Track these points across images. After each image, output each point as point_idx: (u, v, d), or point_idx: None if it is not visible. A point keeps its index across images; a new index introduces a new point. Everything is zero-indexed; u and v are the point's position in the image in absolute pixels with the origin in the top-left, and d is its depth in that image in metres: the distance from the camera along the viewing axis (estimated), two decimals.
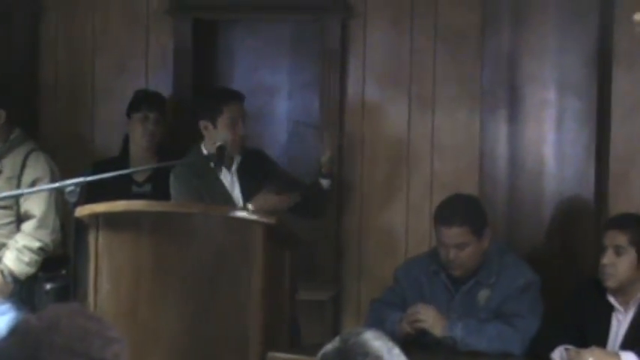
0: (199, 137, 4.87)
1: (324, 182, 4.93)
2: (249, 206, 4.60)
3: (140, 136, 5.18)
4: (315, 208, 4.96)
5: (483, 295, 4.34)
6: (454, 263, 4.33)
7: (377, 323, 4.29)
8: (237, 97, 4.87)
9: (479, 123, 5.31)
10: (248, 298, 4.11)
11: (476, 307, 4.34)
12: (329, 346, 2.37)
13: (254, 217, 4.29)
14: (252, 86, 5.50)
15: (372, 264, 5.37)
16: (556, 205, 5.26)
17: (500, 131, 5.30)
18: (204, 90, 5.35)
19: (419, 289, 4.43)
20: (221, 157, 4.63)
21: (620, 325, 4.23)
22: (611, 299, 4.24)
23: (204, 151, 4.79)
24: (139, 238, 4.26)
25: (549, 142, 5.26)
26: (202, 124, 4.82)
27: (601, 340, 4.20)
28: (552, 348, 4.18)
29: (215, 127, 4.77)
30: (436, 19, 5.35)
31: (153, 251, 4.24)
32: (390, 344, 2.38)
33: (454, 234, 4.32)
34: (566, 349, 4.12)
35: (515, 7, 5.27)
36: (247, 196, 4.74)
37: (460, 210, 4.39)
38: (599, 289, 4.26)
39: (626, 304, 4.23)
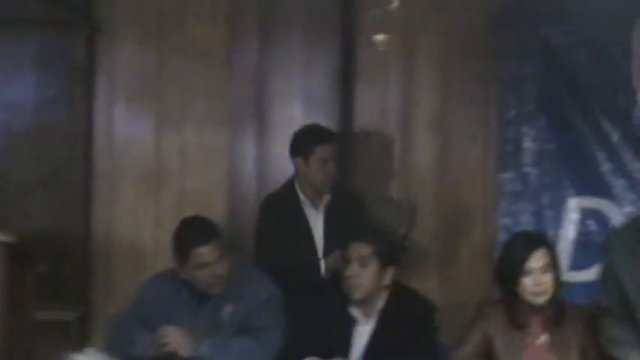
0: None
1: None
2: (322, 266, 4.72)
3: None
4: None
5: (228, 310, 4.37)
6: (223, 278, 4.36)
7: (122, 342, 4.25)
8: (329, 137, 4.89)
9: (227, 139, 5.36)
10: None
11: (221, 322, 4.36)
12: None
13: None
14: None
15: (122, 281, 5.31)
16: None
17: (248, 148, 5.37)
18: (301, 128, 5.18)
19: (162, 306, 4.41)
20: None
21: (361, 336, 4.34)
22: (354, 311, 4.35)
23: (297, 187, 4.87)
24: None
25: None
26: (296, 160, 4.86)
27: (344, 352, 4.30)
28: None
29: (307, 165, 4.81)
30: (184, 35, 5.36)
31: None
32: None
33: (212, 250, 4.34)
34: None
35: (262, 25, 5.36)
36: (329, 237, 4.81)
37: (207, 226, 4.42)
38: (342, 302, 4.37)
39: (367, 316, 4.35)
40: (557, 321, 4.03)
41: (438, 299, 4.75)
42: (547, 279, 4.01)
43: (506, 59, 5.28)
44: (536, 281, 3.99)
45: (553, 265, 4.06)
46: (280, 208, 4.86)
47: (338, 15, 5.37)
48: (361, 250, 4.35)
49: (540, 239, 4.15)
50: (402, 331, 4.25)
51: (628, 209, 5.07)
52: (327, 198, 4.90)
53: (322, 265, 4.75)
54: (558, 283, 4.05)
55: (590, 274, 4.98)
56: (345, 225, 4.78)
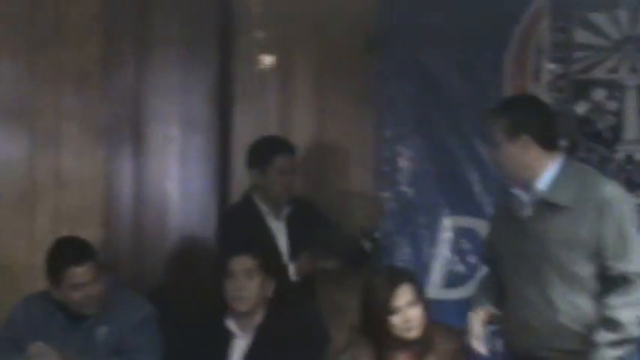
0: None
1: (365, 243, 4.93)
2: (292, 270, 4.74)
3: None
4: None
5: (102, 331, 4.32)
6: (97, 299, 4.30)
7: None
8: (287, 148, 4.91)
9: (103, 159, 5.31)
10: None
11: (95, 344, 4.32)
12: None
13: None
14: None
15: None
16: (180, 240, 5.36)
17: (125, 167, 5.33)
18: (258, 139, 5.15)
19: (35, 327, 4.35)
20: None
21: (238, 350, 4.35)
22: (231, 325, 4.36)
23: (256, 199, 4.90)
24: None
25: (173, 178, 5.37)
26: (253, 172, 4.89)
27: None
28: None
29: (264, 176, 4.84)
30: (59, 54, 5.30)
31: None
32: None
33: (86, 270, 4.29)
34: None
35: (138, 45, 5.34)
36: (294, 246, 4.84)
37: (81, 246, 4.38)
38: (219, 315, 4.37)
39: (244, 330, 4.35)
40: (425, 353, 3.97)
41: None
42: (415, 313, 3.95)
43: (383, 81, 5.35)
44: (404, 318, 3.93)
45: (419, 296, 4.00)
46: (242, 221, 4.85)
47: (216, 35, 5.38)
48: (246, 262, 4.36)
49: (401, 274, 4.11)
50: (281, 346, 4.26)
51: None
52: (287, 208, 4.92)
53: (291, 268, 4.74)
54: (427, 314, 4.00)
55: (463, 291, 5.07)
56: (309, 232, 4.82)
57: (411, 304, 3.94)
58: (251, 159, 4.93)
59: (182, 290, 5.24)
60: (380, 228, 5.00)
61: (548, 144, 3.91)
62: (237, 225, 4.84)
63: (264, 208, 4.91)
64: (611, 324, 3.69)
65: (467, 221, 5.24)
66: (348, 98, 5.35)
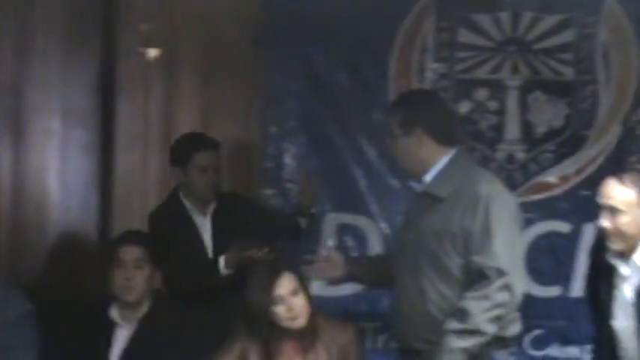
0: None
1: (302, 221, 4.84)
2: (222, 263, 4.61)
3: None
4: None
5: None
6: None
7: None
8: (207, 145, 4.81)
9: None
10: None
11: None
12: None
13: None
14: None
15: None
16: (60, 234, 5.27)
17: (4, 160, 5.22)
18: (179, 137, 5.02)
19: None
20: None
21: (120, 340, 4.29)
22: (115, 314, 4.31)
23: (181, 196, 4.82)
24: None
25: (53, 172, 5.27)
26: (175, 170, 4.81)
27: (105, 356, 4.25)
28: None
29: (186, 173, 4.77)
30: None
31: None
32: None
33: None
34: None
35: (18, 36, 5.23)
36: (218, 242, 4.76)
37: None
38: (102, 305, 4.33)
39: (128, 320, 4.31)
40: (312, 343, 3.98)
41: None
42: (298, 302, 3.95)
43: (268, 76, 5.34)
44: (287, 307, 3.93)
45: (301, 285, 4.00)
46: (168, 219, 4.79)
47: (98, 27, 5.30)
48: (136, 252, 4.31)
49: (282, 263, 4.12)
50: (164, 337, 4.22)
51: (384, 225, 5.21)
52: (213, 204, 4.85)
53: (220, 261, 4.65)
54: (311, 303, 4.00)
55: (344, 290, 5.09)
56: (237, 225, 4.75)
57: (293, 292, 3.95)
58: (172, 157, 4.88)
59: (63, 285, 5.14)
60: (317, 204, 4.97)
61: (443, 138, 3.96)
62: (163, 223, 4.78)
63: (189, 205, 4.85)
64: (461, 313, 3.74)
65: (351, 218, 5.27)
66: (233, 92, 5.34)
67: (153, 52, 5.27)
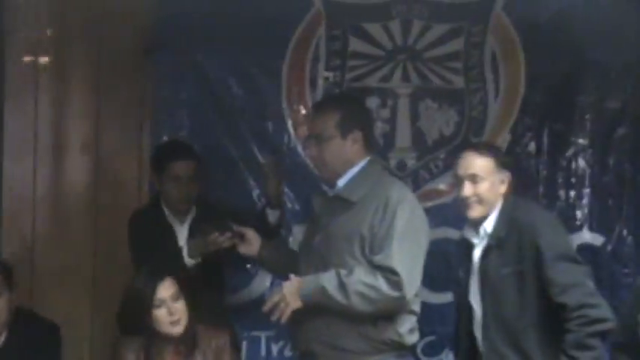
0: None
1: (271, 213, 4.66)
2: (185, 252, 4.50)
3: None
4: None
5: None
6: None
7: None
8: (182, 154, 4.72)
9: None
10: None
11: None
12: None
13: None
14: None
15: None
16: None
17: None
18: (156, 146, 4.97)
19: None
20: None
21: None
22: None
23: (162, 202, 4.75)
24: None
25: None
26: (154, 179, 4.79)
27: None
28: None
29: (161, 182, 4.72)
30: None
31: None
32: None
33: None
34: None
35: None
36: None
37: None
38: None
39: None
40: (190, 350, 4.00)
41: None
42: (179, 306, 3.98)
43: (160, 84, 5.30)
44: (168, 311, 3.95)
45: (181, 291, 4.02)
46: (147, 223, 4.73)
47: None
48: None
49: (163, 268, 4.11)
50: (25, 355, 4.20)
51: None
52: (193, 213, 4.77)
53: (184, 251, 4.55)
54: (191, 310, 4.03)
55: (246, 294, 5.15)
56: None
57: (174, 297, 3.97)
58: (151, 166, 4.86)
59: None
60: (284, 193, 4.92)
61: (370, 142, 4.04)
62: (140, 228, 4.73)
63: (167, 211, 4.78)
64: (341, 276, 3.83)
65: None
66: (125, 101, 5.28)
67: (41, 59, 5.18)
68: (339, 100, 4.20)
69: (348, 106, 4.05)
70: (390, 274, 3.80)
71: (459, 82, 5.29)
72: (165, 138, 5.26)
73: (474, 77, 5.29)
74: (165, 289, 3.96)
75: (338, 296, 3.79)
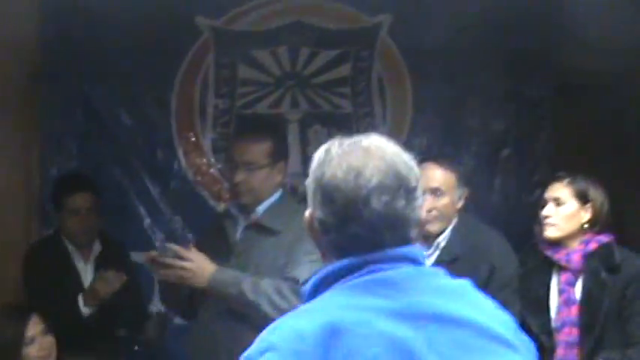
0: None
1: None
2: (80, 301, 4.35)
3: None
4: None
5: None
6: None
7: None
8: (80, 186, 4.58)
9: None
10: None
11: None
12: None
13: None
14: None
15: None
16: None
17: None
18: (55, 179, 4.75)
19: None
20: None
21: None
22: None
23: (63, 236, 4.60)
24: None
25: None
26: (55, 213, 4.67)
27: None
28: None
29: (61, 216, 4.60)
30: None
31: None
32: None
33: None
34: None
35: None
36: None
37: None
38: None
39: None
40: None
41: None
42: (50, 339, 3.91)
43: (48, 114, 5.25)
44: (40, 346, 3.87)
45: (50, 326, 3.95)
46: (46, 258, 4.55)
47: None
48: None
49: (25, 304, 4.08)
50: None
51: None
52: (97, 249, 4.61)
53: (79, 300, 4.38)
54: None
55: None
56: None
57: (43, 332, 3.91)
58: (50, 201, 4.71)
59: None
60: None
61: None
62: (40, 263, 4.57)
63: (70, 246, 4.62)
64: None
65: (139, 256, 5.22)
66: (12, 131, 5.16)
67: None
68: (270, 129, 4.20)
69: (278, 136, 4.07)
70: (293, 283, 3.81)
71: (346, 106, 5.35)
72: (54, 171, 5.20)
73: (362, 102, 5.35)
74: (33, 327, 3.88)
75: (250, 295, 3.76)
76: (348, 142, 2.10)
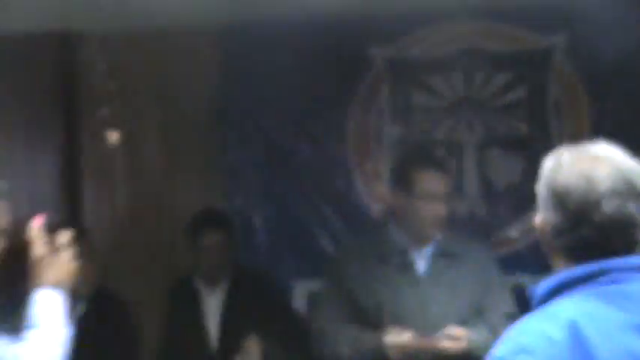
0: None
1: None
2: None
3: None
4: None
5: None
6: None
7: None
8: (214, 223, 4.72)
9: None
10: None
11: None
12: None
13: None
14: None
15: None
16: None
17: None
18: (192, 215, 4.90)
19: None
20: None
21: None
22: None
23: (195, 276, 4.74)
24: None
25: None
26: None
27: None
28: None
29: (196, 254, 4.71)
30: None
31: None
32: None
33: None
34: None
35: None
36: (228, 331, 4.60)
37: None
38: None
39: None
40: None
41: None
42: None
43: (231, 151, 5.38)
44: None
45: None
46: (178, 298, 4.80)
47: (61, 112, 5.33)
48: None
49: None
50: None
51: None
52: (227, 282, 4.75)
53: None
54: None
55: None
56: (251, 313, 4.57)
57: None
58: (185, 235, 4.81)
59: None
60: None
61: None
62: (176, 302, 4.81)
63: (199, 283, 4.78)
64: None
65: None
66: (196, 168, 5.34)
67: (116, 135, 5.29)
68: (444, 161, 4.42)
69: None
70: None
71: (523, 129, 5.30)
72: (240, 202, 5.33)
73: (538, 124, 5.29)
74: None
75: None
76: (577, 149, 2.21)
